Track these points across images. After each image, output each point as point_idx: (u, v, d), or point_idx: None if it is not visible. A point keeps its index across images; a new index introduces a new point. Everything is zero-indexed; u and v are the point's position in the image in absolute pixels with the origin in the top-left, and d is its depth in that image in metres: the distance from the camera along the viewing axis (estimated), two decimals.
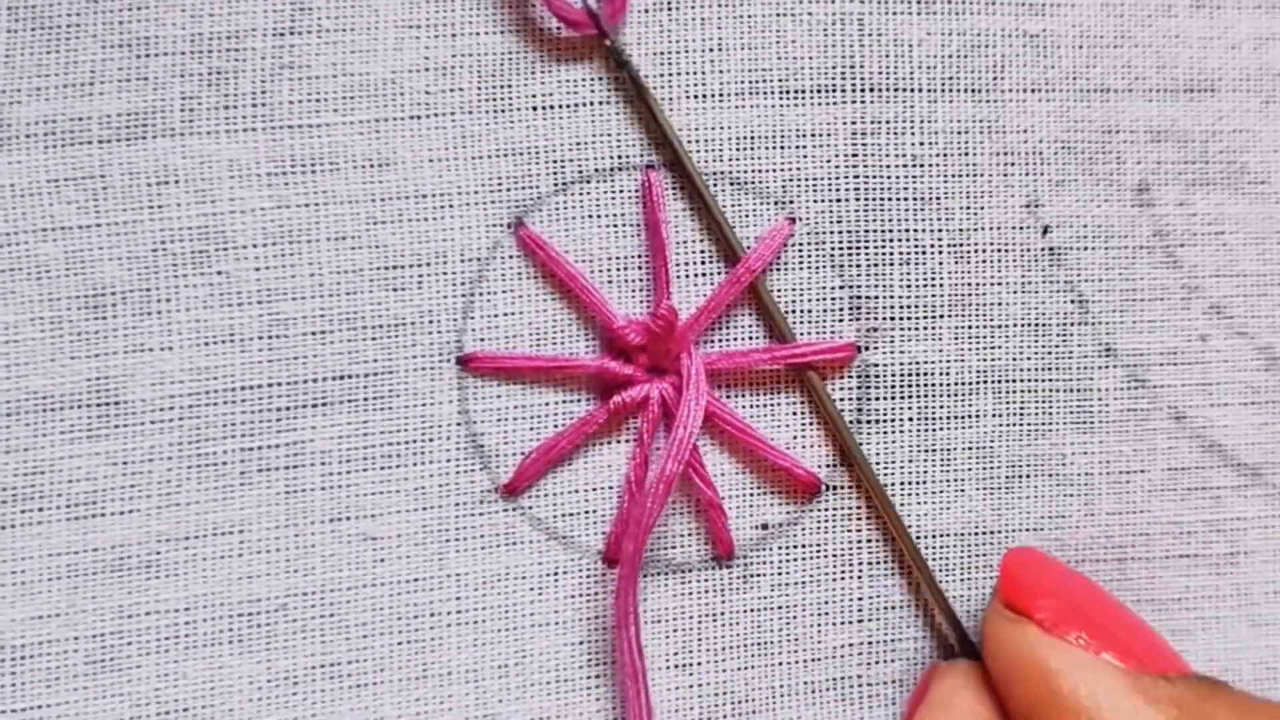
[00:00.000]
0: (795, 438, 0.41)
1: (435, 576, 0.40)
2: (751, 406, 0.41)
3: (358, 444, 0.40)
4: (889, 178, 0.41)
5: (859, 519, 0.41)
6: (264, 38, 0.40)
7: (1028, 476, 0.42)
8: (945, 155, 0.41)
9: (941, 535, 0.41)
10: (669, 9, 0.41)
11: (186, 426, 0.39)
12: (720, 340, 0.41)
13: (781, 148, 0.41)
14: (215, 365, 0.39)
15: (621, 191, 0.41)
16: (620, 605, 0.38)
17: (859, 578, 0.41)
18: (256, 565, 0.39)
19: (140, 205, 0.39)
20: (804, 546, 0.41)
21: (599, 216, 0.41)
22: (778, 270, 0.41)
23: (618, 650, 0.38)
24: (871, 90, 0.41)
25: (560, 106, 0.40)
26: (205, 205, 0.39)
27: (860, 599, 0.41)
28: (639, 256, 0.41)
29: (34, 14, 0.39)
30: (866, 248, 0.41)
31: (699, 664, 0.41)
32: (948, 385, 0.41)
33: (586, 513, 0.40)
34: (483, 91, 0.40)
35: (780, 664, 0.41)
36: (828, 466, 0.41)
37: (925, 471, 0.41)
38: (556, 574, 0.40)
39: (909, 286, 0.41)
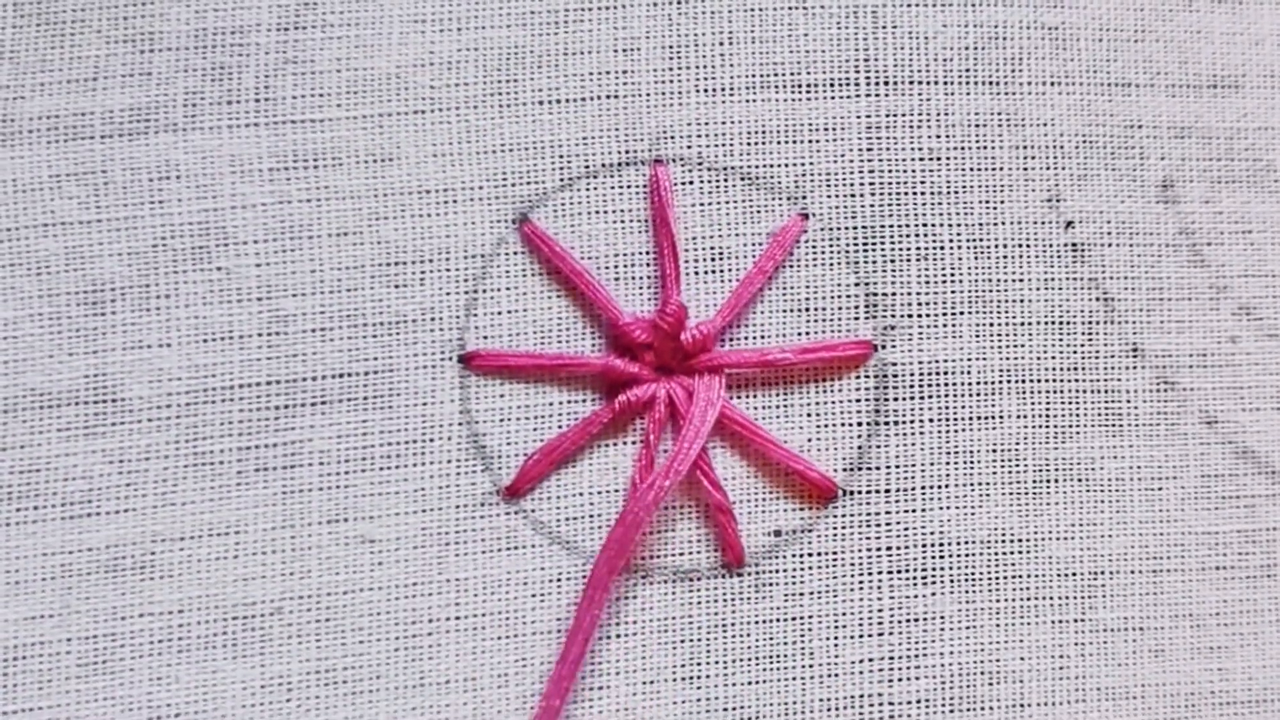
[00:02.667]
0: (810, 440, 0.40)
1: (434, 581, 0.39)
2: (763, 406, 0.40)
3: (357, 444, 0.39)
4: (905, 172, 0.40)
5: (878, 525, 0.40)
6: (268, 33, 0.39)
7: (1056, 481, 0.40)
8: (963, 148, 0.40)
9: (966, 543, 0.40)
10: (679, 1, 0.40)
11: (184, 424, 0.38)
12: (730, 339, 0.40)
13: (794, 142, 0.40)
14: (214, 362, 0.39)
15: (629, 187, 0.40)
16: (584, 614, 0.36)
17: (878, 588, 0.40)
18: (252, 567, 0.38)
19: (141, 201, 0.39)
20: (819, 554, 0.40)
21: (605, 212, 0.40)
22: (791, 267, 0.40)
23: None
24: (886, 83, 0.40)
25: (566, 101, 0.40)
26: (206, 201, 0.39)
27: (880, 611, 0.40)
28: (646, 253, 0.40)
29: (38, 10, 0.39)
30: (882, 243, 0.40)
31: (706, 677, 0.39)
32: (969, 385, 0.40)
33: (590, 516, 0.39)
34: (488, 86, 0.40)
35: (794, 679, 0.39)
36: (844, 470, 0.40)
37: (948, 475, 0.40)
38: (559, 579, 0.39)
39: (927, 283, 0.40)
